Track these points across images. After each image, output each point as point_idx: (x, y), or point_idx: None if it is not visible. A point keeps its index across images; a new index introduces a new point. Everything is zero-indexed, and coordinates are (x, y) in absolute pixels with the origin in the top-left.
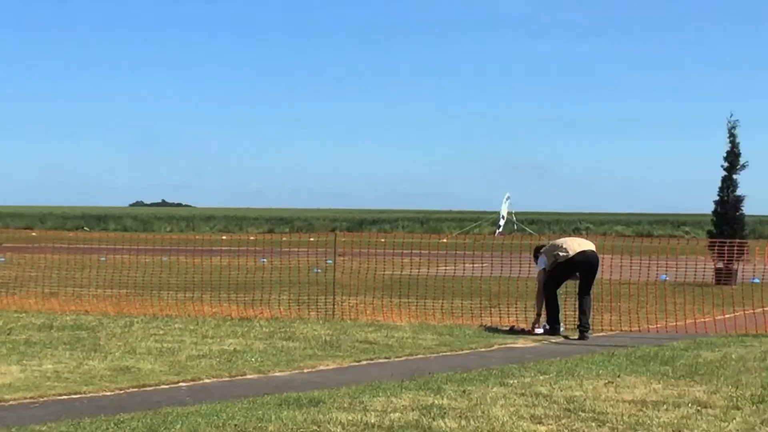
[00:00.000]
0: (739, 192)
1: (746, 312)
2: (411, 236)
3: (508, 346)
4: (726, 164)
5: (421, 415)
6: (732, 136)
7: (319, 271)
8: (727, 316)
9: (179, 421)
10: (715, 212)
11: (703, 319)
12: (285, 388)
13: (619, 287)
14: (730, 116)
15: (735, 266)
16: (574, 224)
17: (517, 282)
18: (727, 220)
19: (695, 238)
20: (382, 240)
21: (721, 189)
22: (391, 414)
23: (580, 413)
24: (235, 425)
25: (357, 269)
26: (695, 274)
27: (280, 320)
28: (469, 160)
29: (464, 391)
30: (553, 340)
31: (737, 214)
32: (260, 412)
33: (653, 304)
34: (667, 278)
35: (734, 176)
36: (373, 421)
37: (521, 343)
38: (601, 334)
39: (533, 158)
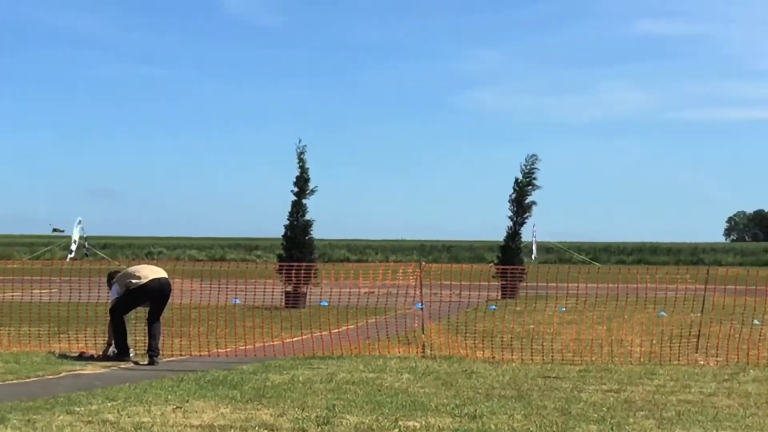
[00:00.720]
0: (308, 216)
1: (314, 334)
2: None
3: (76, 372)
4: (296, 189)
5: None
6: (301, 162)
7: None
8: (295, 338)
9: None
10: (285, 236)
11: (272, 343)
12: None
13: (189, 311)
14: (299, 142)
15: (304, 289)
16: (147, 248)
17: (86, 307)
18: (297, 243)
19: (267, 262)
20: None
21: (291, 213)
22: None
23: None
24: None
25: None
26: (264, 298)
27: None
28: (40, 184)
29: (29, 420)
30: (123, 366)
31: (306, 238)
32: None
33: (224, 328)
34: (239, 302)
35: (303, 201)
36: None
37: (90, 369)
38: (171, 359)
39: (106, 183)
